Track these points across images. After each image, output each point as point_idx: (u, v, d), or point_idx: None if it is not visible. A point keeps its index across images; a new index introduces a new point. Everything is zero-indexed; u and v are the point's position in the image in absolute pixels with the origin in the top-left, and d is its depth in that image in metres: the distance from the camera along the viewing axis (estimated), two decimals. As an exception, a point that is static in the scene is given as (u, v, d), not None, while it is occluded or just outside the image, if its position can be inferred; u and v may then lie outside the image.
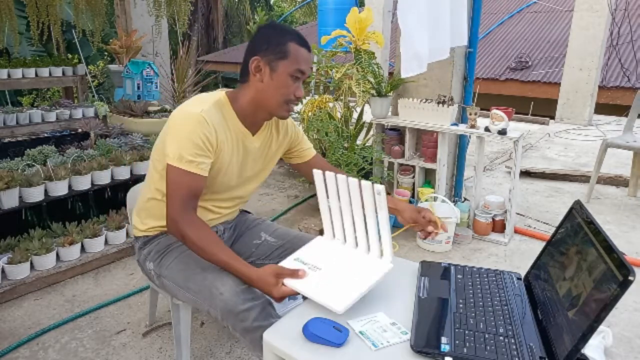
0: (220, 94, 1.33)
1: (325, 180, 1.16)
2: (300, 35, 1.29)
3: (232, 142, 1.31)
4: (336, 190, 1.15)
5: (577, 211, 1.02)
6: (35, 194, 2.21)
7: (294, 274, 1.10)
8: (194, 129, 1.21)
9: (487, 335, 0.90)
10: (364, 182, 1.07)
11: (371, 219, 1.09)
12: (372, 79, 2.87)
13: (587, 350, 1.60)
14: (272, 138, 1.45)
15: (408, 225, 1.36)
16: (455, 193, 3.04)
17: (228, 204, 1.46)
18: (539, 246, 2.48)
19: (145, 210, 1.42)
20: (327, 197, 1.19)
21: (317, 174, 1.17)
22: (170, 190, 1.22)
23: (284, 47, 1.24)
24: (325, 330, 0.90)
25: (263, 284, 1.12)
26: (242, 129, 1.34)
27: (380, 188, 1.03)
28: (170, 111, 3.48)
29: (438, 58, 2.30)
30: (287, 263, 1.16)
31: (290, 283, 1.08)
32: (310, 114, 3.26)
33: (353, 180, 1.09)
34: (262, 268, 1.15)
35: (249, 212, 1.67)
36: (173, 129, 1.24)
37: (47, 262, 2.14)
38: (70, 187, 2.36)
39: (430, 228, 1.31)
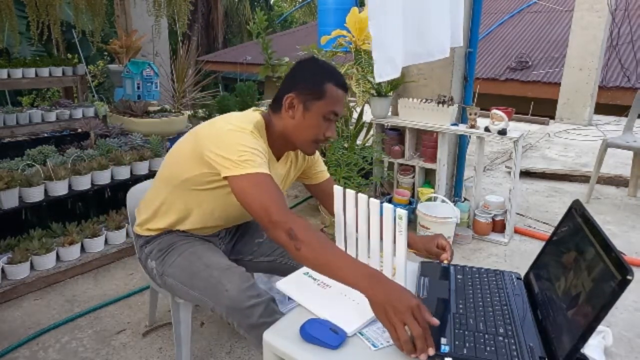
0: (257, 115, 1.30)
1: (345, 197, 1.14)
2: (339, 75, 1.27)
3: None
4: (355, 209, 1.12)
5: (576, 211, 1.02)
6: (35, 194, 2.21)
7: (430, 316, 0.88)
8: (249, 140, 1.17)
9: (487, 336, 0.90)
10: (385, 204, 1.04)
11: (388, 242, 1.06)
12: (372, 79, 2.87)
13: (587, 350, 1.60)
14: (293, 165, 1.45)
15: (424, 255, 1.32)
16: (455, 193, 3.04)
17: (237, 219, 1.46)
18: (538, 246, 2.47)
19: (153, 211, 1.40)
20: (344, 215, 1.15)
21: (337, 190, 1.15)
22: (253, 200, 1.09)
23: (321, 88, 1.23)
24: (322, 332, 0.90)
25: (396, 289, 0.91)
26: (269, 155, 1.32)
27: (403, 213, 1.00)
28: (170, 111, 3.48)
29: (438, 57, 2.28)
30: (295, 277, 1.14)
31: (297, 298, 1.05)
32: (310, 114, 3.25)
33: (374, 201, 1.06)
34: None
35: None
36: (223, 143, 1.16)
37: (47, 262, 2.14)
38: (70, 187, 2.36)
39: (443, 256, 1.25)
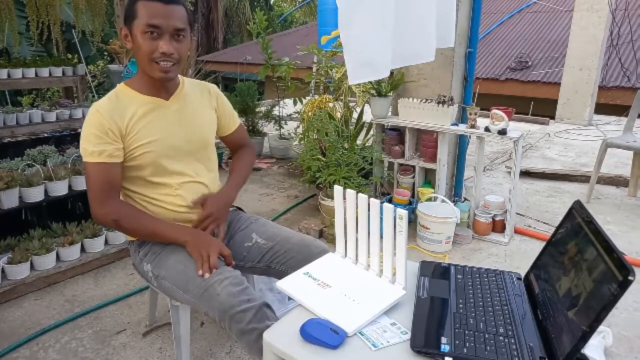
0: (119, 85, 1.40)
1: (344, 197, 1.14)
2: None
3: (144, 118, 1.35)
4: (355, 209, 1.12)
5: (577, 211, 1.02)
6: (35, 194, 2.21)
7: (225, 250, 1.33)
8: (89, 123, 1.30)
9: (487, 335, 0.90)
10: (386, 205, 1.04)
11: (388, 242, 1.06)
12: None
13: (587, 350, 1.60)
14: (197, 99, 1.48)
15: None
16: (455, 193, 3.04)
17: (185, 180, 1.42)
18: (539, 246, 2.48)
19: None
20: (345, 214, 1.16)
21: (337, 190, 1.15)
22: (87, 185, 1.31)
23: (133, 8, 1.26)
24: (322, 332, 0.90)
25: (203, 236, 1.34)
26: (150, 100, 1.37)
27: (403, 213, 1.00)
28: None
29: (420, 61, 2.25)
30: (295, 277, 1.14)
31: (297, 297, 1.06)
32: (310, 114, 3.26)
33: (375, 201, 1.07)
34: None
35: (242, 210, 1.65)
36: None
37: (47, 262, 2.14)
38: (70, 187, 2.36)
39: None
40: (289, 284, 1.12)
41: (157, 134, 1.36)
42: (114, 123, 1.29)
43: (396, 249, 1.05)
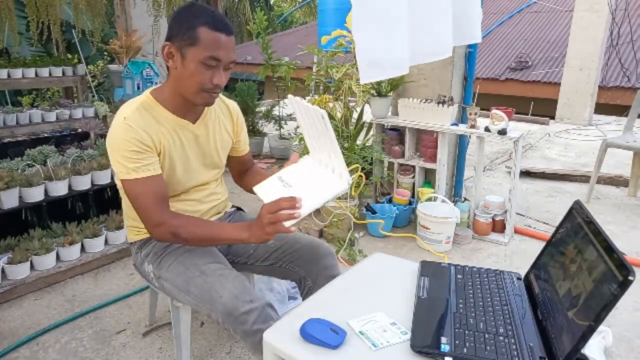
0: (145, 94, 1.32)
1: (294, 105, 1.20)
2: (215, 17, 1.20)
3: (170, 139, 1.30)
4: (303, 116, 1.19)
5: (577, 211, 1.02)
6: (35, 194, 2.21)
7: (292, 204, 1.08)
8: (123, 138, 1.21)
9: (487, 335, 0.90)
10: (311, 106, 1.11)
11: (325, 139, 1.12)
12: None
13: (587, 350, 1.60)
14: (219, 121, 1.43)
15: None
16: (455, 193, 3.04)
17: (196, 195, 1.43)
18: (539, 246, 2.47)
19: (132, 217, 1.40)
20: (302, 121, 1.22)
21: (290, 99, 1.20)
22: (137, 203, 1.23)
23: (194, 33, 1.17)
24: (322, 332, 0.90)
25: (259, 224, 1.12)
26: (178, 121, 1.32)
27: (323, 112, 1.06)
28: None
29: (435, 58, 2.25)
30: (270, 180, 1.24)
31: (262, 197, 1.17)
32: (310, 114, 3.25)
33: (308, 106, 1.13)
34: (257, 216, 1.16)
35: (243, 210, 1.66)
36: (108, 145, 1.25)
37: (47, 262, 2.14)
38: (70, 187, 2.36)
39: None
40: (262, 187, 1.23)
41: (177, 161, 1.32)
42: (148, 137, 1.23)
43: (330, 141, 1.11)
